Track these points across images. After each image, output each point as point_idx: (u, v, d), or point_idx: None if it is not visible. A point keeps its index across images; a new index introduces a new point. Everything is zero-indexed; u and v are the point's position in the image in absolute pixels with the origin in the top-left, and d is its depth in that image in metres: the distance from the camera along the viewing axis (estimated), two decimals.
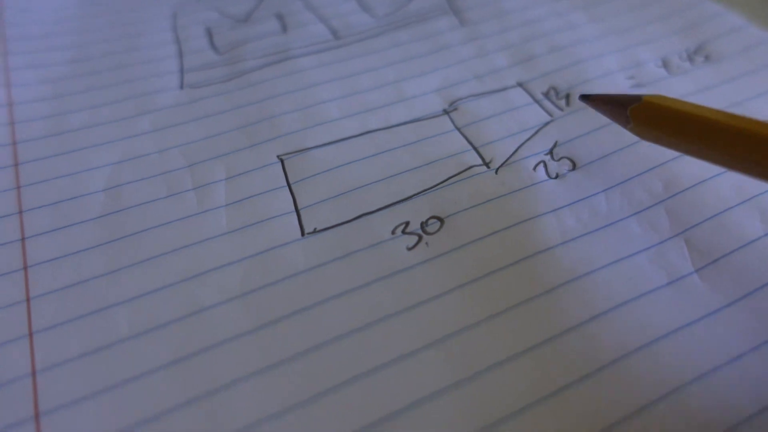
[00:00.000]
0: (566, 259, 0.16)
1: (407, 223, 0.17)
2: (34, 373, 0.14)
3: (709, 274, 0.15)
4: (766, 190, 0.17)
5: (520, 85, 0.22)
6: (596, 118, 0.20)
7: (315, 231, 0.17)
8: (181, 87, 0.22)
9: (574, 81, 0.22)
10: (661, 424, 0.13)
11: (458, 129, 0.20)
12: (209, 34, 0.25)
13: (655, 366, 0.13)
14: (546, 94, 0.22)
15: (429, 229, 0.17)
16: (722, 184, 0.18)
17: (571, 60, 0.23)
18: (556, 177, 0.18)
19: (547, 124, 0.20)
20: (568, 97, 0.21)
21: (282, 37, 0.25)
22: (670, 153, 0.19)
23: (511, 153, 0.19)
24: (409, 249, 0.16)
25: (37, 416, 0.13)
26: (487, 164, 0.19)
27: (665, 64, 0.23)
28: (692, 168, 0.18)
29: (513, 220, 0.17)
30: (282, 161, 0.19)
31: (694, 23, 0.25)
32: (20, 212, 0.18)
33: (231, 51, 0.24)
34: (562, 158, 0.19)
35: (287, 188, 0.18)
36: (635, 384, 0.13)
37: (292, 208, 0.18)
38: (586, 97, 0.18)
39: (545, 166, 0.19)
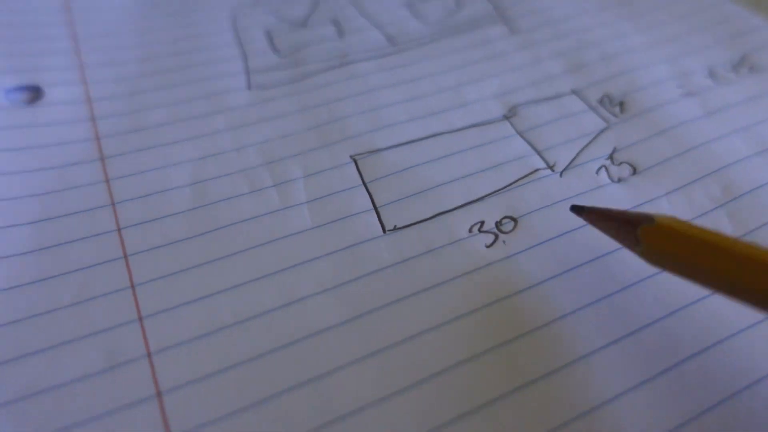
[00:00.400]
0: (636, 259, 0.17)
1: (482, 222, 0.18)
2: (149, 355, 0.15)
3: None
4: None
5: (574, 92, 0.23)
6: (652, 124, 0.21)
7: (395, 228, 0.18)
8: (249, 87, 0.23)
9: (626, 89, 0.23)
10: None
11: (519, 134, 0.21)
12: (269, 36, 0.26)
13: (737, 358, 0.15)
14: (600, 102, 0.23)
15: (504, 228, 0.18)
16: None
17: (622, 68, 0.24)
18: (619, 181, 0.19)
19: (604, 130, 0.21)
20: (621, 104, 0.22)
21: (339, 42, 0.26)
22: (726, 158, 0.20)
23: (572, 157, 0.20)
24: (488, 247, 0.17)
25: (159, 394, 0.14)
26: (551, 168, 0.20)
27: (711, 74, 0.24)
28: (749, 173, 0.19)
29: (582, 221, 0.18)
30: (356, 161, 0.20)
31: (737, 34, 0.26)
32: (113, 204, 0.19)
33: (292, 54, 0.25)
34: (622, 163, 0.20)
35: (363, 187, 0.19)
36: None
37: (371, 206, 0.19)
38: (579, 210, 0.16)
39: (607, 170, 0.20)
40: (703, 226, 0.13)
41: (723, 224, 0.18)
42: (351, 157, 0.20)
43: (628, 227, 0.14)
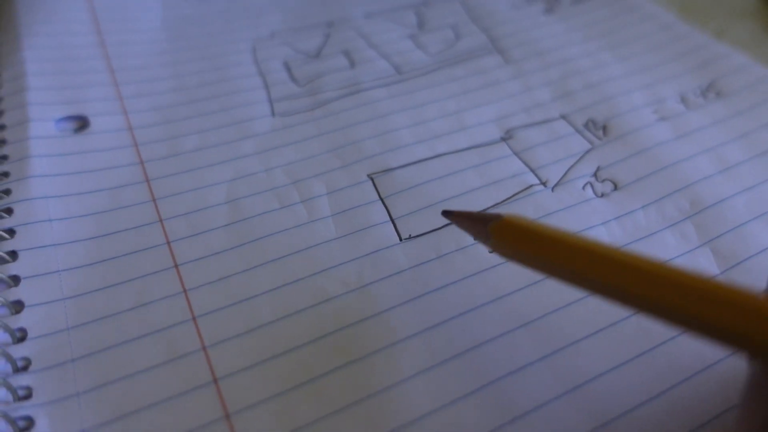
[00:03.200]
0: None
1: None
2: (204, 348, 0.17)
3: (733, 275, 0.19)
4: None
5: (562, 117, 0.26)
6: (630, 146, 0.24)
7: (410, 237, 0.20)
8: (273, 114, 0.26)
9: (608, 114, 0.26)
10: None
11: (515, 154, 0.24)
12: (288, 67, 0.29)
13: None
14: (585, 126, 0.26)
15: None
16: (738, 203, 0.22)
17: (604, 96, 0.27)
18: (602, 196, 0.22)
19: (589, 151, 0.24)
20: (604, 128, 0.25)
21: (351, 71, 0.29)
22: (693, 176, 0.23)
23: (562, 175, 0.23)
24: (490, 252, 0.20)
25: (215, 380, 0.16)
26: (544, 184, 0.23)
27: (683, 100, 0.27)
28: (713, 190, 0.22)
29: (572, 229, 0.21)
30: (372, 179, 0.23)
31: (705, 63, 0.29)
32: (161, 220, 0.21)
33: (310, 83, 0.28)
34: (605, 180, 0.23)
35: (380, 202, 0.22)
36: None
37: (387, 218, 0.21)
38: (448, 213, 0.18)
39: (592, 186, 0.23)
40: (545, 223, 0.15)
41: (690, 233, 0.21)
42: (368, 175, 0.23)
43: (481, 225, 0.16)
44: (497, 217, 0.16)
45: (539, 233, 0.14)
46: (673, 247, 0.20)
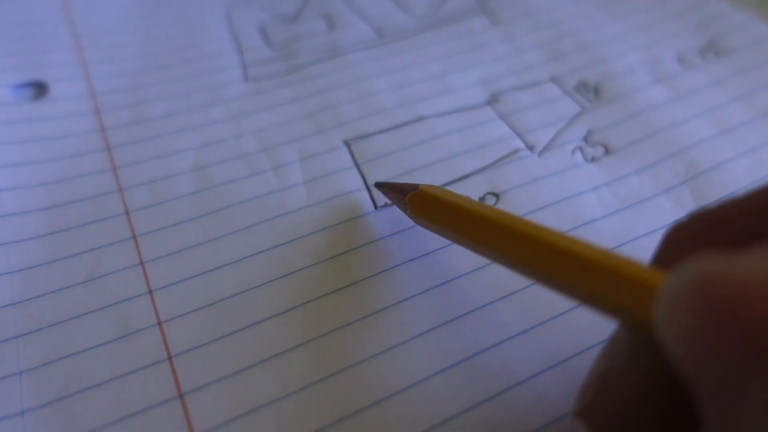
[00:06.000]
0: (608, 230, 0.18)
1: None
2: (160, 323, 0.16)
3: None
4: None
5: (552, 80, 0.24)
6: (623, 109, 0.23)
7: (386, 205, 0.19)
8: (246, 80, 0.25)
9: (601, 76, 0.24)
10: None
11: (501, 118, 0.23)
12: (263, 31, 0.28)
13: None
14: (576, 88, 0.24)
15: (486, 202, 0.19)
16: (738, 167, 0.20)
17: (597, 57, 0.26)
18: (592, 160, 0.21)
19: (579, 114, 0.23)
20: (596, 90, 0.24)
21: (330, 35, 0.27)
22: (690, 139, 0.21)
23: (550, 139, 0.22)
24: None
25: (170, 357, 0.15)
26: (530, 148, 0.21)
27: (680, 60, 0.25)
28: (710, 153, 0.21)
29: (559, 196, 0.19)
30: (348, 145, 0.21)
31: (704, 21, 0.28)
32: (120, 190, 0.20)
33: (285, 48, 0.27)
34: (595, 144, 0.21)
35: (356, 169, 0.20)
36: None
37: (363, 185, 0.20)
38: (379, 185, 0.19)
39: (581, 151, 0.21)
40: (456, 194, 0.16)
41: (686, 198, 0.19)
42: (344, 141, 0.22)
43: (401, 195, 0.17)
44: (414, 188, 0.16)
45: (447, 203, 0.15)
46: (667, 213, 0.19)
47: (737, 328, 0.08)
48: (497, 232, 0.13)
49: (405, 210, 0.17)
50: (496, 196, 0.19)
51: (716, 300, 0.08)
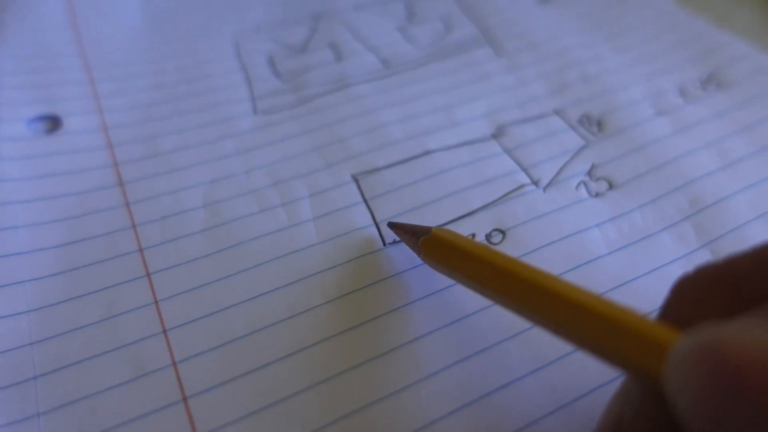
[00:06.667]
0: (613, 267, 0.19)
1: (474, 235, 0.20)
2: (174, 363, 0.16)
3: None
4: None
5: (556, 112, 0.25)
6: (627, 142, 0.23)
7: (394, 242, 0.19)
8: (255, 112, 0.25)
9: (604, 109, 0.25)
10: None
11: (507, 152, 0.23)
12: (272, 62, 0.28)
13: None
14: (580, 121, 0.24)
15: (493, 239, 0.19)
16: (740, 201, 0.21)
17: (601, 89, 0.26)
18: (596, 195, 0.21)
19: (583, 148, 0.23)
20: (599, 123, 0.24)
21: (338, 65, 0.28)
22: (693, 173, 0.22)
23: (554, 174, 0.22)
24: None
25: (185, 399, 0.16)
26: (535, 183, 0.22)
27: (682, 93, 0.26)
28: (713, 187, 0.21)
29: (564, 233, 0.20)
30: (357, 180, 0.22)
31: (705, 52, 0.28)
32: (134, 226, 0.20)
33: (294, 79, 0.27)
34: (599, 179, 0.22)
35: (364, 204, 0.21)
36: None
37: (371, 221, 0.20)
38: (392, 225, 0.19)
39: (586, 185, 0.21)
40: (468, 239, 0.16)
41: (688, 234, 0.20)
42: (352, 176, 0.22)
43: (414, 238, 0.17)
44: (427, 231, 0.17)
45: (459, 248, 0.15)
46: (670, 250, 0.19)
47: (742, 396, 0.08)
48: (510, 281, 0.14)
49: (418, 252, 0.17)
50: (503, 233, 0.20)
51: (722, 369, 0.09)
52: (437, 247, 0.16)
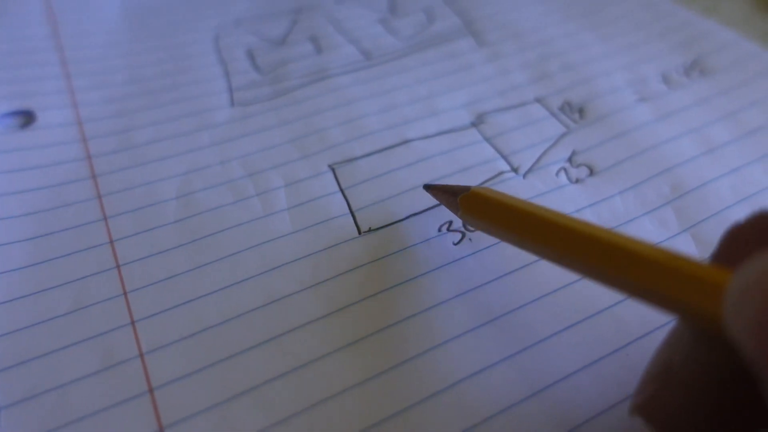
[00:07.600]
0: None
1: (450, 222, 0.19)
2: (141, 354, 0.16)
3: None
4: (760, 190, 0.20)
5: (537, 100, 0.25)
6: (608, 129, 0.23)
7: (370, 230, 0.19)
8: (232, 105, 0.25)
9: (586, 96, 0.25)
10: None
11: (486, 140, 0.23)
12: (251, 55, 0.28)
13: None
14: (561, 109, 0.24)
15: (470, 227, 0.19)
16: (722, 186, 0.20)
17: (582, 77, 0.26)
18: (577, 181, 0.21)
19: (564, 135, 0.23)
20: (581, 111, 0.24)
21: (318, 57, 0.28)
22: (674, 158, 0.21)
23: (534, 161, 0.22)
24: (455, 244, 0.18)
25: (151, 390, 0.15)
26: (515, 170, 0.21)
27: (665, 80, 0.26)
28: (695, 173, 0.21)
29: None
30: (333, 170, 0.21)
31: (689, 40, 0.28)
32: (105, 218, 0.20)
33: (273, 71, 0.27)
34: (580, 165, 0.21)
35: (341, 193, 0.21)
36: None
37: (347, 210, 0.20)
38: (428, 187, 0.19)
39: (566, 172, 0.21)
40: (508, 195, 0.16)
41: (669, 219, 0.19)
42: (329, 165, 0.22)
43: (452, 197, 0.17)
44: (466, 189, 0.17)
45: (500, 203, 0.15)
46: (651, 234, 0.19)
47: None
48: (556, 232, 0.13)
49: (456, 211, 0.17)
50: None
51: None
52: (477, 204, 0.16)
